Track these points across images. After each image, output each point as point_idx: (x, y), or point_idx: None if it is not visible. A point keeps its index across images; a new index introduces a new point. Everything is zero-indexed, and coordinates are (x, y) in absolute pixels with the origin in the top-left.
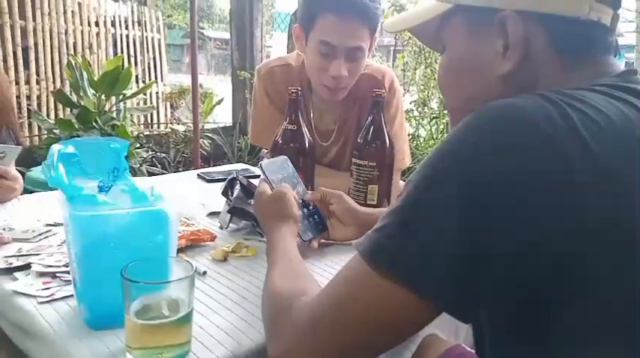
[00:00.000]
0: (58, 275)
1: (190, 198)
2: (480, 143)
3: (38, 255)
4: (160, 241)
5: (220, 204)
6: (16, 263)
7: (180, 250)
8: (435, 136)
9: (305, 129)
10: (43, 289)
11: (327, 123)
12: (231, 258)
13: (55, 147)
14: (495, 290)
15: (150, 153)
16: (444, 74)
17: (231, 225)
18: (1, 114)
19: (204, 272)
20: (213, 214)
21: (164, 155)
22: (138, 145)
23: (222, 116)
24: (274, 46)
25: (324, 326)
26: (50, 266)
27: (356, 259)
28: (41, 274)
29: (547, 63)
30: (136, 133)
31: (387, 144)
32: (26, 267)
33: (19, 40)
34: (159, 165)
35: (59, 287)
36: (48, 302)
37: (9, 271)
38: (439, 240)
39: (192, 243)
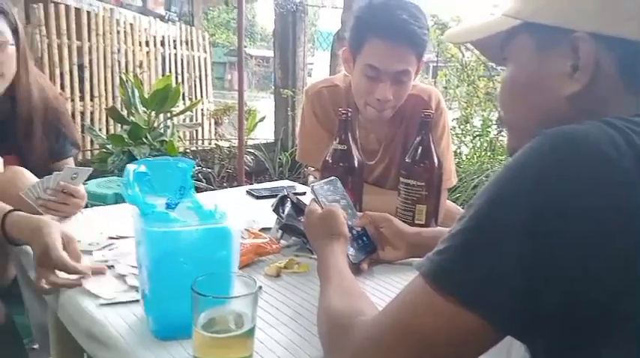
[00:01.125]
0: (128, 282)
1: (243, 214)
2: (543, 171)
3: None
4: (224, 257)
5: (270, 220)
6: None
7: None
8: (477, 154)
9: (355, 150)
10: (132, 296)
11: (373, 143)
12: (283, 274)
13: (130, 167)
14: (554, 316)
15: (196, 168)
16: (506, 90)
17: (282, 241)
18: (56, 119)
19: (260, 288)
20: (264, 230)
21: (209, 170)
22: None
23: (263, 132)
24: (316, 64)
25: (384, 347)
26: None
27: (417, 281)
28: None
29: (614, 87)
30: (182, 149)
31: (436, 164)
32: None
33: (75, 59)
34: (204, 180)
35: (123, 292)
36: (109, 305)
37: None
38: (501, 265)
39: (259, 256)
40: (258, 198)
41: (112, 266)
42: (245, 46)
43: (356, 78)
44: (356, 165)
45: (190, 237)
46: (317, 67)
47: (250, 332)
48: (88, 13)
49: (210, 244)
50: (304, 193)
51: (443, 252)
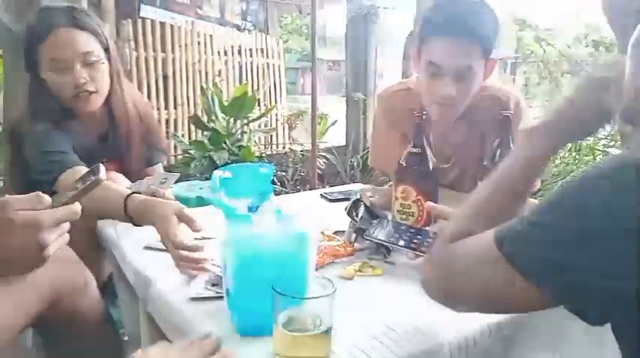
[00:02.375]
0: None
1: (317, 217)
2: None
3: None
4: (302, 258)
5: (343, 223)
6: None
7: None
8: (561, 155)
9: (430, 153)
10: (217, 294)
11: (448, 146)
12: (357, 277)
13: (217, 173)
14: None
15: None
16: None
17: (355, 244)
18: (148, 128)
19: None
20: (337, 233)
21: (283, 173)
22: None
23: (334, 135)
24: (388, 67)
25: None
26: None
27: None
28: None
29: None
30: (258, 153)
31: None
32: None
33: (160, 70)
34: (278, 183)
35: (210, 289)
36: (197, 300)
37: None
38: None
39: (334, 258)
40: (331, 201)
41: None
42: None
43: (420, 76)
44: (431, 168)
45: (270, 239)
46: (389, 70)
47: (327, 333)
48: (172, 26)
49: (289, 246)
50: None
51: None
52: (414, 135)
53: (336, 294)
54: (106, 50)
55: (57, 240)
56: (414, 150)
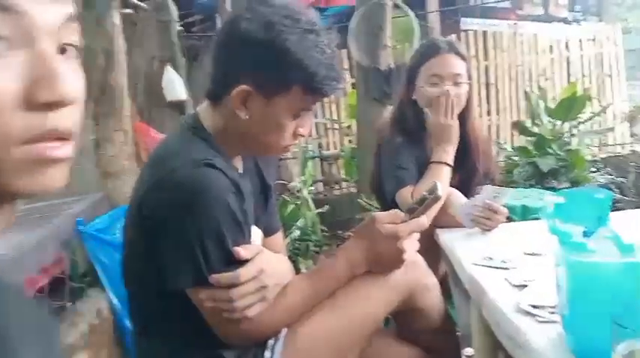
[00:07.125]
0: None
1: None
2: None
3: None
4: None
5: None
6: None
7: None
8: None
9: None
10: (550, 313)
11: None
12: None
13: (549, 198)
14: None
15: (607, 177)
16: None
17: None
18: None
19: None
20: None
21: (622, 180)
22: (594, 169)
23: None
24: None
25: None
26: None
27: None
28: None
29: None
30: (589, 157)
31: None
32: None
33: (482, 78)
34: (617, 190)
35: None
36: (545, 322)
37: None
38: None
39: None
40: None
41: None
42: None
43: None
44: None
45: (608, 269)
46: None
47: None
48: (493, 33)
49: (629, 277)
50: None
51: None
52: None
53: None
54: (468, 75)
55: (411, 248)
56: None
